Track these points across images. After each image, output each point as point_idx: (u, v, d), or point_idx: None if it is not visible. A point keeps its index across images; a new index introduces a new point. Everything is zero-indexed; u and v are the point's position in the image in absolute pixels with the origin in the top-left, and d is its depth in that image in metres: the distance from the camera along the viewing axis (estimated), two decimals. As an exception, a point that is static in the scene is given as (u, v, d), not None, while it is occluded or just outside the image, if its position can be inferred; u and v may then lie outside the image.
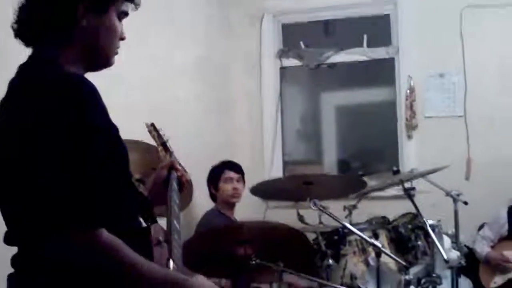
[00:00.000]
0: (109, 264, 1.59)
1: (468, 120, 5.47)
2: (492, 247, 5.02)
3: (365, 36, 5.84)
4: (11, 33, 1.82)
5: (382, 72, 5.93)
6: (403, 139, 5.65)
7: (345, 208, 4.28)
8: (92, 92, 1.66)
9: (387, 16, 5.83)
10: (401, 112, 5.66)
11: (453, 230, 4.10)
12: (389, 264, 3.59)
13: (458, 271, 4.04)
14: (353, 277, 3.71)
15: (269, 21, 6.01)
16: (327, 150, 6.18)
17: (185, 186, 2.28)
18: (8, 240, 1.70)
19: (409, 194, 3.97)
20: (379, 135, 5.98)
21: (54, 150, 1.56)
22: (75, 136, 1.57)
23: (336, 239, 3.87)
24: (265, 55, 6.01)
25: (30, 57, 1.78)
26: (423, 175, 4.23)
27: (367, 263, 3.69)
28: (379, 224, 4.06)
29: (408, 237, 3.95)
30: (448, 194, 4.15)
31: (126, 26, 1.91)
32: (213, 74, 5.54)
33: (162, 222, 1.98)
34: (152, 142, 2.67)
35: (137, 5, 1.92)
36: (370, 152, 6.10)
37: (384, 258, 3.30)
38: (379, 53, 5.83)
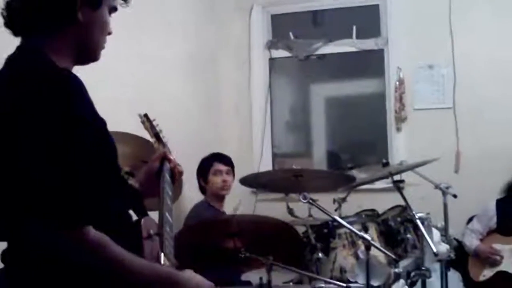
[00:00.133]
0: (96, 262, 1.58)
1: (457, 112, 5.47)
2: (481, 240, 5.03)
3: (354, 27, 5.83)
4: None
5: (371, 64, 5.93)
6: (393, 132, 5.66)
7: (334, 201, 4.26)
8: (78, 85, 1.65)
9: (376, 6, 5.82)
10: (390, 104, 5.66)
11: (442, 223, 4.11)
12: (378, 257, 3.57)
13: (447, 264, 4.06)
14: (342, 270, 3.70)
15: (258, 12, 5.99)
16: (317, 142, 6.18)
17: (177, 178, 2.27)
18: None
19: (398, 186, 3.98)
20: (368, 127, 5.98)
21: (40, 141, 1.54)
22: (62, 128, 1.55)
23: (326, 232, 3.85)
24: (254, 46, 5.99)
25: (18, 48, 1.76)
26: (412, 167, 4.22)
27: (356, 257, 3.68)
28: (368, 217, 4.06)
29: (398, 230, 3.94)
30: (437, 187, 4.15)
31: (116, 21, 1.90)
32: (202, 65, 5.51)
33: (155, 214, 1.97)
34: (142, 134, 2.65)
35: (127, 1, 1.92)
36: (360, 144, 6.10)
37: (373, 251, 3.27)
38: (368, 44, 5.82)
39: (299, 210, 3.85)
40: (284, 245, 3.52)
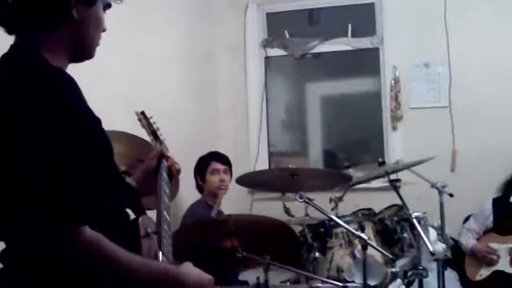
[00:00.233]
0: (92, 261, 1.57)
1: (453, 111, 5.47)
2: (478, 239, 5.03)
3: (349, 26, 5.82)
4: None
5: (367, 62, 5.93)
6: (388, 130, 5.66)
7: (331, 200, 4.25)
8: (72, 85, 1.63)
9: (372, 5, 5.81)
10: (386, 103, 5.65)
11: (439, 222, 4.10)
12: (375, 257, 3.57)
13: (444, 263, 4.05)
14: (339, 269, 3.69)
15: (253, 10, 5.98)
16: (312, 140, 6.17)
17: (175, 176, 2.26)
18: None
19: (394, 186, 3.96)
20: (364, 126, 5.98)
21: (33, 141, 1.53)
22: (55, 127, 1.54)
23: (323, 231, 3.85)
24: (250, 45, 5.97)
25: (12, 47, 1.74)
26: (408, 166, 4.22)
27: (353, 256, 3.67)
28: (365, 216, 4.05)
29: (394, 230, 3.94)
30: (433, 186, 4.15)
31: (111, 19, 1.89)
32: (198, 64, 5.50)
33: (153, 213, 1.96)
34: (137, 133, 2.63)
35: None
36: (356, 143, 6.09)
37: (370, 250, 3.27)
38: (364, 42, 5.82)
39: (295, 210, 3.84)
40: (281, 244, 3.52)
